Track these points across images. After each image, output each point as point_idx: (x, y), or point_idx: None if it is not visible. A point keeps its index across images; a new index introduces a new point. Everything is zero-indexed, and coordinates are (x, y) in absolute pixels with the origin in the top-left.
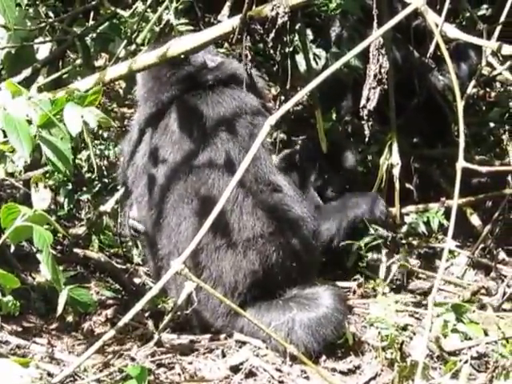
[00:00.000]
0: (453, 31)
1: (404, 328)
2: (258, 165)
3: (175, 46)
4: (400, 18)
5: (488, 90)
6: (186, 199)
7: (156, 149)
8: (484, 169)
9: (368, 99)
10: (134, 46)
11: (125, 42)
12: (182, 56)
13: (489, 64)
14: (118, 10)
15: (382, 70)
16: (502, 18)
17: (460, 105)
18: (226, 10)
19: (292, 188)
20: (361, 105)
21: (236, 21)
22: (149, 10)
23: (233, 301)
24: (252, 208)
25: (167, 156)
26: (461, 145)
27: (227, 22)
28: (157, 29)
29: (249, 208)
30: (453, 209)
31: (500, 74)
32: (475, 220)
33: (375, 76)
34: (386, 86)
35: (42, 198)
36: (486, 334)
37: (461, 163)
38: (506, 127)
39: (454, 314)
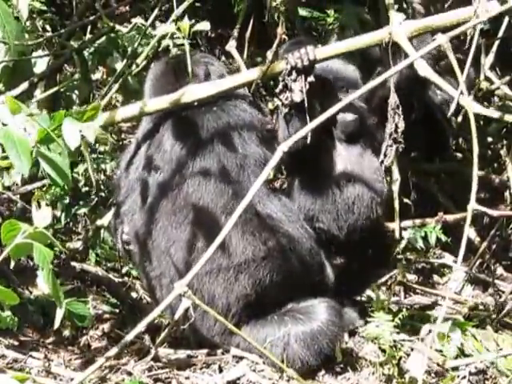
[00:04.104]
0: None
1: (402, 343)
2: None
3: (191, 92)
4: (424, 53)
5: (486, 104)
6: (175, 223)
7: (148, 165)
8: (496, 213)
9: (385, 155)
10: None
11: (125, 61)
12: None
13: (487, 78)
14: (118, 27)
15: (398, 130)
16: (501, 33)
17: (475, 141)
18: (232, 42)
19: (286, 211)
20: (379, 160)
21: (254, 73)
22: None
23: (227, 321)
24: (241, 235)
25: (157, 175)
26: (473, 188)
27: (245, 74)
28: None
29: (238, 235)
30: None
31: (498, 88)
32: (473, 235)
33: (391, 135)
34: (402, 145)
35: (43, 215)
36: (485, 349)
37: (472, 205)
38: (504, 142)
39: (454, 330)
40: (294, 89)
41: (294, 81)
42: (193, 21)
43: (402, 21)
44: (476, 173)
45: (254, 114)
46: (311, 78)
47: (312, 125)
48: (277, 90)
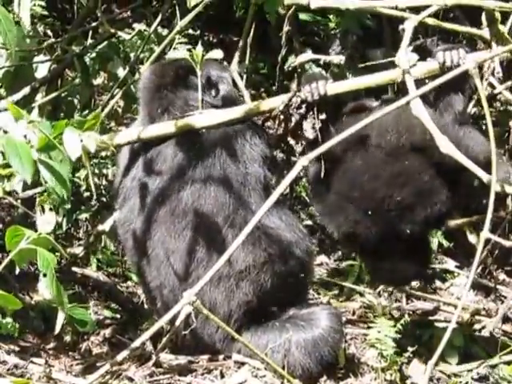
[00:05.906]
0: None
1: (404, 349)
2: (248, 208)
3: (197, 119)
4: (450, 77)
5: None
6: (174, 233)
7: (146, 172)
8: (508, 243)
9: None
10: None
11: (127, 68)
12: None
13: (489, 83)
14: (120, 33)
15: None
16: None
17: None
18: (234, 64)
19: (282, 215)
20: None
21: (262, 107)
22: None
23: (229, 327)
24: (242, 245)
25: (156, 183)
26: (488, 216)
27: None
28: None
29: (239, 246)
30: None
31: (500, 93)
32: (474, 240)
33: None
34: None
35: (46, 221)
36: (487, 355)
37: (485, 234)
38: (506, 147)
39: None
40: (306, 127)
41: (304, 117)
42: (198, 31)
43: (416, 62)
44: (493, 199)
45: (259, 132)
46: (323, 116)
47: (337, 139)
48: (289, 129)
